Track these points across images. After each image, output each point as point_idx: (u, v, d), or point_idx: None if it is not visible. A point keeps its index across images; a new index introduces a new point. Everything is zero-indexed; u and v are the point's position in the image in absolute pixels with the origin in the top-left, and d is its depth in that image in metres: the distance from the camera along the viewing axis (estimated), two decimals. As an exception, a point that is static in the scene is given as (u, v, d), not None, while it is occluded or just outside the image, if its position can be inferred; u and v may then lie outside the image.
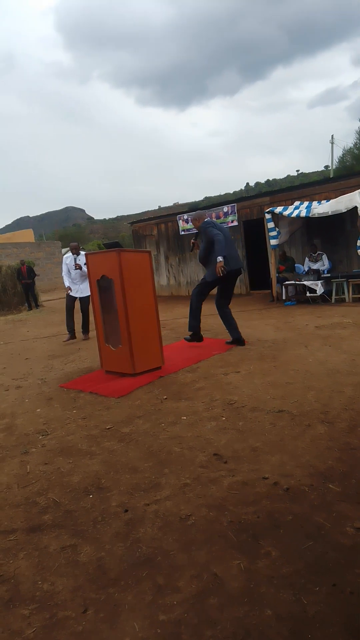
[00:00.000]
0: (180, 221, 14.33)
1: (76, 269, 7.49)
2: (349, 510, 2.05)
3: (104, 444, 3.08)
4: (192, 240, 6.18)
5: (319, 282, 9.43)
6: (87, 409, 3.87)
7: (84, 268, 7.35)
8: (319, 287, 9.35)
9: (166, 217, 15.38)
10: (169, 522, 2.10)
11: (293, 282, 9.94)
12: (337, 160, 31.14)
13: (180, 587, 1.67)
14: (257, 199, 12.78)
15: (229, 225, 12.96)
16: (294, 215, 9.63)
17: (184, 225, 14.17)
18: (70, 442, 3.17)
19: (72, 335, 7.59)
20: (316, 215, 9.29)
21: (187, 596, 1.63)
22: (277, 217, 10.21)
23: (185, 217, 14.12)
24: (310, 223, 10.73)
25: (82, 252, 7.49)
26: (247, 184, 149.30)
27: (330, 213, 9.07)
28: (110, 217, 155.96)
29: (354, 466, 2.44)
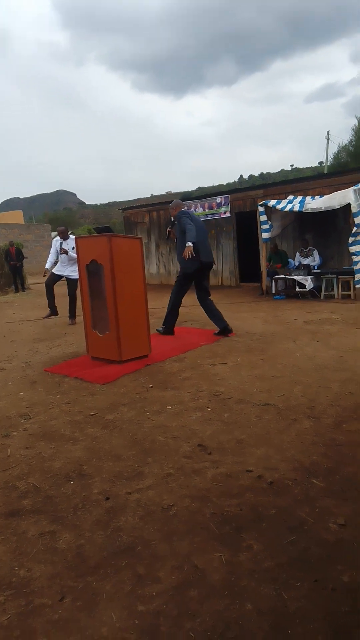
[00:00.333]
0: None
1: (61, 253, 7.37)
2: (332, 506, 2.03)
3: (87, 430, 3.03)
4: (167, 229, 6.17)
5: (309, 277, 9.43)
6: (71, 394, 3.82)
7: (70, 253, 7.24)
8: (308, 283, 9.35)
9: (158, 205, 15.26)
10: (151, 511, 2.07)
11: (283, 276, 9.93)
12: (331, 157, 31.08)
13: (160, 578, 1.64)
14: (251, 191, 12.72)
15: (222, 216, 12.89)
16: (287, 209, 9.60)
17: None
18: (53, 427, 3.12)
19: (54, 311, 7.51)
20: (309, 211, 9.27)
21: (167, 587, 1.60)
22: (270, 210, 10.18)
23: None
24: (303, 218, 10.71)
25: (71, 237, 7.37)
26: (241, 176, 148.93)
27: (323, 209, 9.05)
28: (102, 202, 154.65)
29: (338, 462, 2.43)
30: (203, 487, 2.25)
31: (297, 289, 9.57)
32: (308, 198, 9.76)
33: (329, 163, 32.20)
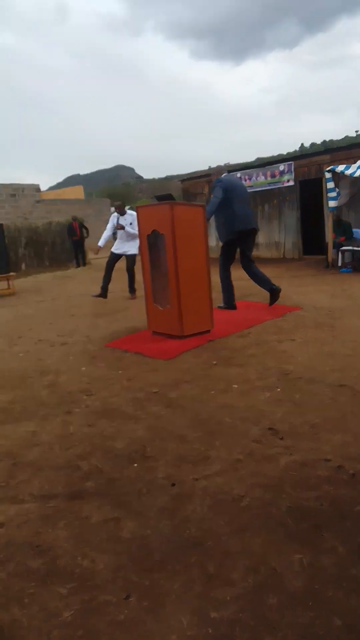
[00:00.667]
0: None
1: (117, 229, 7.24)
2: None
3: (149, 409, 2.91)
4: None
5: (380, 248, 8.81)
6: (132, 369, 3.71)
7: (127, 228, 7.10)
8: (379, 254, 8.75)
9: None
10: (220, 501, 1.91)
11: (351, 247, 9.35)
12: None
13: (234, 580, 1.48)
14: (316, 157, 12.00)
15: (285, 184, 12.30)
16: (357, 174, 8.95)
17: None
18: (114, 404, 3.02)
19: (104, 293, 7.28)
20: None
21: (241, 591, 1.43)
22: (337, 177, 9.54)
23: (239, 174, 13.51)
24: (373, 184, 9.98)
25: (129, 212, 7.21)
26: (302, 144, 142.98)
27: None
28: (160, 176, 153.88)
29: None
30: (276, 476, 2.05)
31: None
32: (380, 162, 9.05)
33: None
